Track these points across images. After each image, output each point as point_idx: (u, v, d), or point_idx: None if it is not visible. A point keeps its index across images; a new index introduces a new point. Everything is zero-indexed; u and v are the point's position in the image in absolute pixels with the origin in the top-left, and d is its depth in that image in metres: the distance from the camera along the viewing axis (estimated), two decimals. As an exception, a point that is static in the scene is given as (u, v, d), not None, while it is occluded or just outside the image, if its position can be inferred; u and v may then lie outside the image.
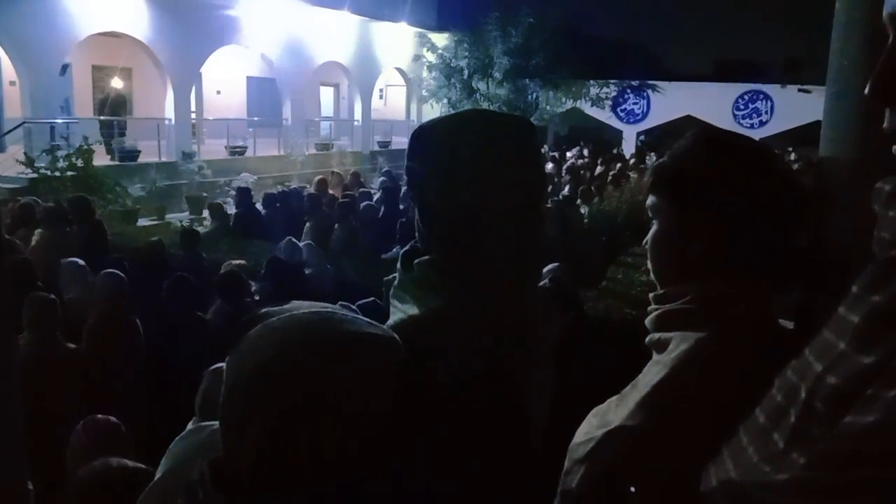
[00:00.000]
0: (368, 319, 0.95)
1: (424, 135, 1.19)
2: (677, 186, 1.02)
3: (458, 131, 1.17)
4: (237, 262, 5.37)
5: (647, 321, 1.04)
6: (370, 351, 0.90)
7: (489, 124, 1.19)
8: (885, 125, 0.64)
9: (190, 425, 1.72)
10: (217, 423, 1.00)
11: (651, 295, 1.06)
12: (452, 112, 1.37)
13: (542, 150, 19.33)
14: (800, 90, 21.77)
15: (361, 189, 9.81)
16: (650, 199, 1.07)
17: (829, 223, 1.14)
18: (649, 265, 1.09)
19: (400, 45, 23.01)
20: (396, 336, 0.94)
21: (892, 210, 0.62)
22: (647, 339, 1.04)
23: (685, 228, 1.00)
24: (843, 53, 1.14)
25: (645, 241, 1.08)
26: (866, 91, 0.65)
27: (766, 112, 23.61)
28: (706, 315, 0.97)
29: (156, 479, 1.31)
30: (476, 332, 1.06)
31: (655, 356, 1.01)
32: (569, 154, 18.31)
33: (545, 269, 4.74)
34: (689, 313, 0.98)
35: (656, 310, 1.03)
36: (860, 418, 0.51)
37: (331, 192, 9.45)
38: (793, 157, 14.75)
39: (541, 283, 4.53)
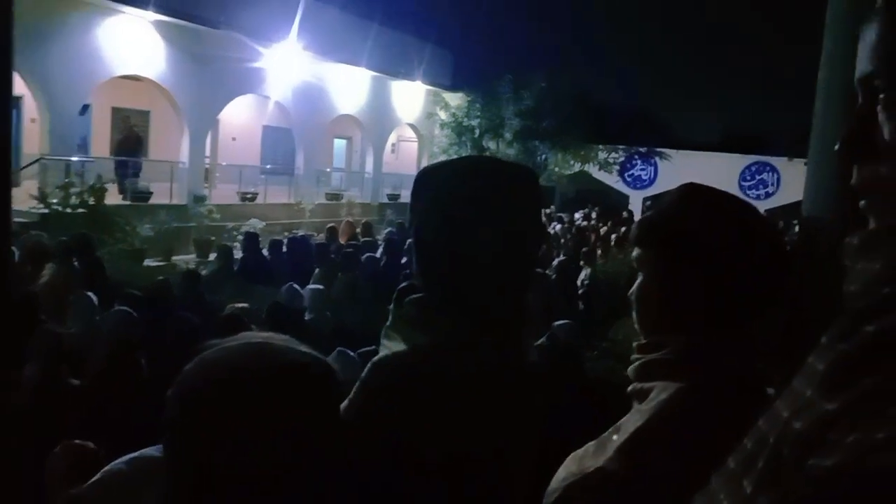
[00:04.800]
0: (307, 349, 0.93)
1: (428, 176, 1.22)
2: (661, 239, 1.04)
3: (459, 175, 1.20)
4: (239, 305, 5.39)
5: (630, 370, 1.06)
6: (298, 379, 0.88)
7: (491, 171, 1.22)
8: (852, 181, 0.67)
9: None
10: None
11: (634, 345, 1.07)
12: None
13: (549, 207, 19.57)
14: (806, 163, 21.97)
15: (364, 239, 9.87)
16: (636, 252, 1.09)
17: (813, 279, 1.16)
18: (634, 315, 1.10)
19: (414, 102, 23.46)
20: (330, 365, 0.93)
21: (859, 263, 0.64)
22: (629, 389, 1.05)
23: (668, 281, 1.03)
24: (825, 117, 1.18)
25: (630, 292, 1.10)
26: (836, 148, 0.67)
27: (773, 184, 23.85)
28: (687, 366, 0.98)
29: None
30: (456, 373, 1.07)
31: (636, 405, 1.02)
32: (576, 215, 18.44)
33: (553, 325, 4.75)
34: (671, 364, 1.00)
35: (639, 359, 1.05)
36: (820, 462, 0.52)
37: (341, 240, 9.52)
38: (797, 229, 14.76)
39: (539, 342, 4.54)
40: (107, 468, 1.32)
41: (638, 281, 1.09)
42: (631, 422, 0.99)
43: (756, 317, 1.01)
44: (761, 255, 1.00)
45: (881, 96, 0.64)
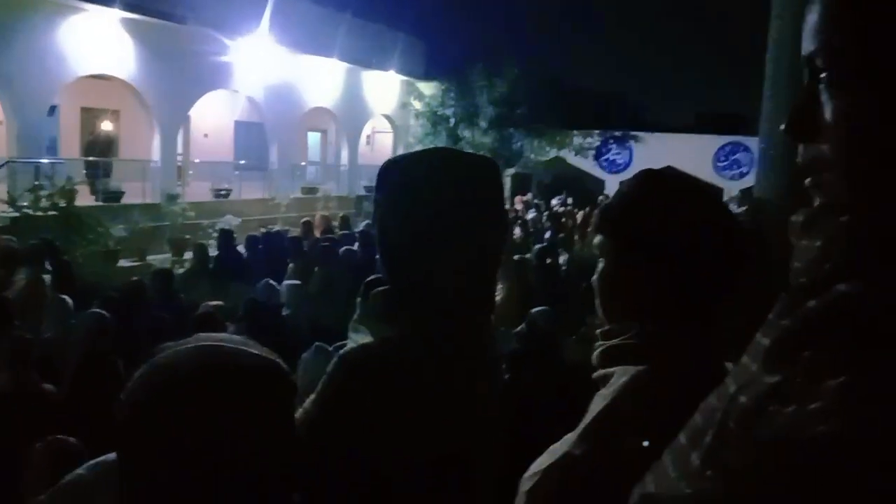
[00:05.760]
0: (259, 351, 0.91)
1: (390, 167, 1.23)
2: (620, 226, 1.05)
3: (420, 168, 1.20)
4: (214, 303, 5.36)
5: (593, 357, 1.06)
6: (248, 381, 0.87)
7: (452, 163, 1.23)
8: (798, 159, 0.68)
9: None
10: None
11: (597, 332, 1.08)
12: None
13: (526, 194, 19.70)
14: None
15: (342, 232, 9.83)
16: (597, 238, 1.10)
17: (767, 260, 1.17)
18: (596, 302, 1.11)
19: (388, 92, 23.35)
20: (283, 365, 0.91)
21: (804, 240, 0.65)
22: (593, 375, 1.06)
23: (628, 267, 1.04)
24: (773, 100, 1.20)
25: (593, 279, 1.10)
26: (782, 128, 0.68)
27: (747, 164, 24.07)
28: (647, 350, 0.99)
29: None
30: (420, 364, 1.08)
31: (600, 390, 1.03)
32: (553, 202, 18.52)
33: (531, 312, 4.77)
34: (631, 349, 1.01)
35: (601, 346, 1.06)
36: (759, 433, 0.54)
37: (317, 234, 9.48)
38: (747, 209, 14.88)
39: (518, 329, 4.57)
40: (68, 475, 1.32)
41: (599, 268, 1.10)
42: (594, 406, 1.00)
43: (714, 302, 1.02)
44: (717, 241, 1.00)
45: (822, 76, 0.65)
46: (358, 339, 1.15)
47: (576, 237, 10.81)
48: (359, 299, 1.24)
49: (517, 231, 11.27)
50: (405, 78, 23.19)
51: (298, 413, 1.14)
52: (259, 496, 0.85)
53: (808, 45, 0.67)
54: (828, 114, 0.64)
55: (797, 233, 0.66)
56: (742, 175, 23.84)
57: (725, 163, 24.43)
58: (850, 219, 0.60)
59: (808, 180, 0.68)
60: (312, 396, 1.16)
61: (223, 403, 0.84)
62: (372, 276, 1.25)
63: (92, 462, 1.33)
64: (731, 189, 21.62)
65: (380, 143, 26.91)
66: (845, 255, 0.59)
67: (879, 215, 0.59)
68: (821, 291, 0.58)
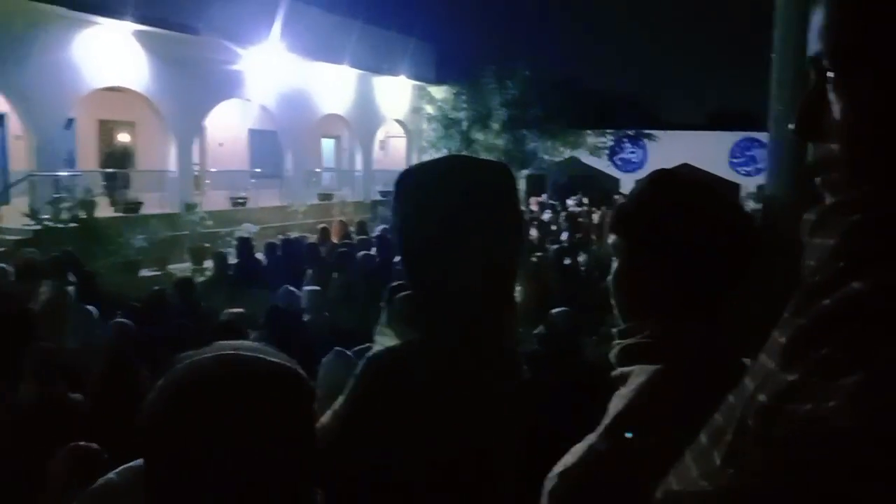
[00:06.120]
0: (276, 357, 0.92)
1: (408, 177, 1.26)
2: (633, 226, 1.07)
3: (437, 175, 1.23)
4: (235, 310, 5.40)
5: (611, 355, 1.08)
6: (267, 388, 0.88)
7: (467, 170, 1.25)
8: (808, 159, 0.69)
9: None
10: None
11: (614, 330, 1.10)
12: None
13: (541, 195, 19.64)
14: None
15: (360, 237, 9.87)
16: (611, 238, 1.12)
17: (777, 258, 1.18)
18: (612, 301, 1.13)
19: (400, 97, 23.41)
20: (300, 371, 0.92)
21: (816, 238, 0.66)
22: (611, 374, 1.07)
23: (640, 266, 1.05)
24: (780, 99, 1.21)
25: (608, 278, 1.12)
26: (790, 127, 0.70)
27: (762, 160, 23.89)
28: (663, 348, 1.00)
29: None
30: (443, 367, 1.10)
31: (619, 389, 1.05)
32: (569, 202, 18.48)
33: (550, 313, 4.78)
34: (648, 347, 1.02)
35: (618, 344, 1.07)
36: (778, 431, 0.55)
37: (334, 240, 9.53)
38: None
39: (536, 330, 4.57)
40: (99, 480, 1.36)
41: (614, 267, 1.12)
42: (613, 406, 1.02)
43: (726, 300, 1.03)
44: (728, 239, 1.02)
45: (829, 76, 0.66)
46: (384, 342, 1.18)
47: (593, 237, 10.78)
48: (383, 304, 1.27)
49: (533, 232, 11.27)
50: (416, 82, 23.25)
51: (327, 415, 1.17)
52: (280, 500, 0.87)
53: (814, 46, 0.68)
54: (836, 113, 0.65)
55: (809, 231, 0.67)
56: (759, 171, 23.65)
57: (741, 159, 24.26)
58: (861, 217, 0.61)
59: (818, 179, 0.69)
60: (341, 398, 1.19)
61: (242, 411, 0.86)
62: (397, 282, 1.28)
63: (122, 467, 1.36)
64: (748, 185, 21.46)
65: (393, 147, 26.97)
66: (858, 254, 0.60)
67: (890, 213, 0.60)
68: (835, 289, 0.59)
